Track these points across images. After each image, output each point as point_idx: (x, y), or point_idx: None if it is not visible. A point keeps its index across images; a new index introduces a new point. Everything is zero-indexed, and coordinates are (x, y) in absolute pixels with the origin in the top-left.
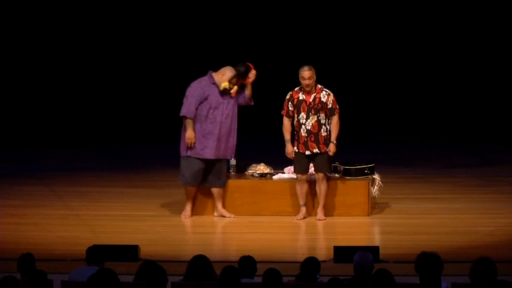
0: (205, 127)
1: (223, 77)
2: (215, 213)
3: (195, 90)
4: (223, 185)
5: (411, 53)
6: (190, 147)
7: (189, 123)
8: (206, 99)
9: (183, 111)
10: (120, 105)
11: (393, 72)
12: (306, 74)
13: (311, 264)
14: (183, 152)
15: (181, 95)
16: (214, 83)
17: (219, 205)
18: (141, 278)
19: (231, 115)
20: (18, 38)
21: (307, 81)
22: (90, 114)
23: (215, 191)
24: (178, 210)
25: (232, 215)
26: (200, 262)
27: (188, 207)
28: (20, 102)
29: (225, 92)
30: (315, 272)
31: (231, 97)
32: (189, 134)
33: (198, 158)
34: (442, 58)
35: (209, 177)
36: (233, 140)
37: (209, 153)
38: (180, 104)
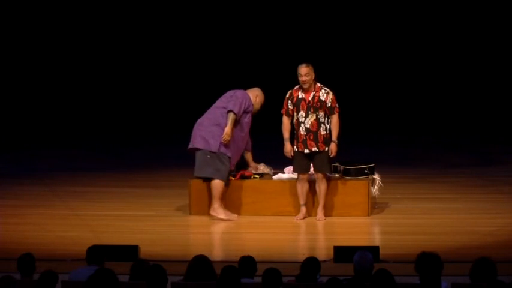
0: (241, 144)
1: (257, 99)
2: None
3: (245, 98)
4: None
5: (412, 52)
6: (224, 145)
7: (233, 121)
8: (247, 113)
9: (236, 109)
10: (120, 105)
11: (393, 72)
12: (303, 70)
13: (311, 264)
14: (214, 148)
15: (182, 95)
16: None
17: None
18: (136, 278)
19: None
20: (19, 38)
21: (303, 78)
22: (90, 114)
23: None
24: (178, 210)
25: (235, 216)
26: (201, 262)
27: (220, 204)
28: (20, 102)
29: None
30: (315, 272)
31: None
32: (231, 131)
33: (228, 156)
34: (442, 58)
35: None
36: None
37: (232, 163)
38: (181, 103)
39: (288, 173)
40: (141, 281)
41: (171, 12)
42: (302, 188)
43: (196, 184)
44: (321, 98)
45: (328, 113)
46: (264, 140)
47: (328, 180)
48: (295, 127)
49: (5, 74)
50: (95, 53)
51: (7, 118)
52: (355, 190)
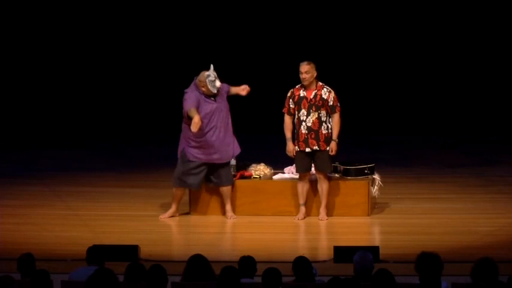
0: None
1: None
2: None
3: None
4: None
5: (411, 52)
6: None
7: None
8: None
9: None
10: (120, 105)
11: (393, 71)
12: (304, 67)
13: (301, 263)
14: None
15: (182, 95)
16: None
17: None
18: (131, 279)
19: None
20: (19, 38)
21: (304, 75)
22: (90, 114)
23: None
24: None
25: (234, 216)
26: (198, 262)
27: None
28: (20, 102)
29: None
30: (309, 269)
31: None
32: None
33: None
34: (442, 57)
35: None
36: None
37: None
38: (181, 103)
39: (288, 172)
40: (136, 282)
41: (171, 11)
42: (303, 188)
43: None
44: (323, 96)
45: (330, 111)
46: (264, 140)
47: (329, 179)
48: (296, 126)
49: (6, 74)
50: (95, 53)
51: (7, 118)
52: (355, 190)
